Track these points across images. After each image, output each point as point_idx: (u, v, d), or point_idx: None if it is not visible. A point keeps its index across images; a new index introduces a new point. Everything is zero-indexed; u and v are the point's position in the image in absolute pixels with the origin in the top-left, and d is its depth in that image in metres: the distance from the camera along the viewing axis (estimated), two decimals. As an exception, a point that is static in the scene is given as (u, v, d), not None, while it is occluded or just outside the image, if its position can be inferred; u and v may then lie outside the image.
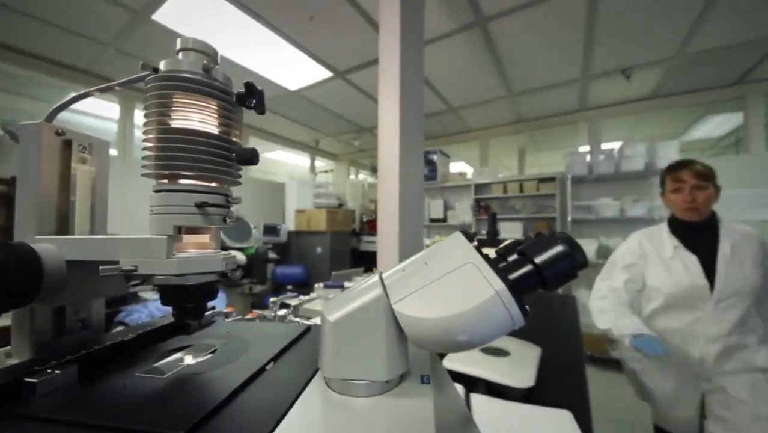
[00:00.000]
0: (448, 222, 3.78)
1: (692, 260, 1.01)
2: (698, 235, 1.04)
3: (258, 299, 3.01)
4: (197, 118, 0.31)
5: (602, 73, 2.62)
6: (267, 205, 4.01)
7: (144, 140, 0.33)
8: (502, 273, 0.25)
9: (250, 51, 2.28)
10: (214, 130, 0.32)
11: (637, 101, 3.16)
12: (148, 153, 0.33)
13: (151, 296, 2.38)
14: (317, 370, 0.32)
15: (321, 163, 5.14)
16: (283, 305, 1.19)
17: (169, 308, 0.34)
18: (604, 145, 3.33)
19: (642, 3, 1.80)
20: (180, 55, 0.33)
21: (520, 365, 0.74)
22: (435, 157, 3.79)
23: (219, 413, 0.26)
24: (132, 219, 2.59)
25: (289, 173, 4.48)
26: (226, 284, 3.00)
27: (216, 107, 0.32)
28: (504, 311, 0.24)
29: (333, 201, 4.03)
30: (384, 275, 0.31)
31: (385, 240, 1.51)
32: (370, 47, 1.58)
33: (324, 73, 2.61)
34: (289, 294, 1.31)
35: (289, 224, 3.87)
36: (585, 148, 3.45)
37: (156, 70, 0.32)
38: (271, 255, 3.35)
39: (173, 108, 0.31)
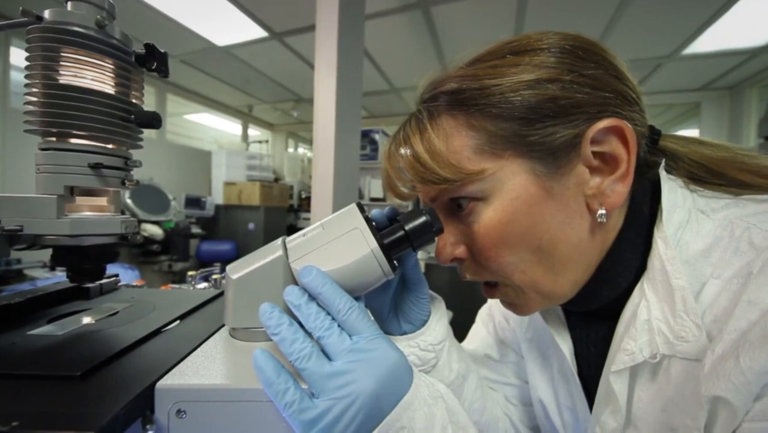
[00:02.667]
0: (387, 201, 3.90)
1: (567, 365, 0.36)
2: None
3: (179, 278, 2.81)
4: (90, 76, 0.30)
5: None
6: (190, 175, 3.65)
7: (27, 94, 0.31)
8: (378, 236, 0.31)
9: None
10: (110, 90, 0.31)
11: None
12: (32, 108, 0.31)
13: (41, 274, 2.06)
14: (223, 325, 0.36)
15: (255, 132, 4.79)
16: (205, 279, 1.15)
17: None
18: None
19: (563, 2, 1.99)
20: (69, 6, 0.31)
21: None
22: (377, 137, 3.82)
23: (118, 360, 0.28)
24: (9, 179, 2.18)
25: (216, 140, 4.09)
26: (141, 260, 2.73)
27: (112, 66, 0.31)
28: (377, 265, 0.30)
29: (268, 174, 3.84)
30: (287, 239, 0.35)
31: (319, 217, 1.53)
32: (311, 10, 1.50)
33: (258, 32, 2.41)
34: (216, 271, 1.26)
35: (217, 197, 3.60)
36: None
37: (40, 18, 0.30)
38: (195, 230, 3.11)
39: (61, 63, 0.30)
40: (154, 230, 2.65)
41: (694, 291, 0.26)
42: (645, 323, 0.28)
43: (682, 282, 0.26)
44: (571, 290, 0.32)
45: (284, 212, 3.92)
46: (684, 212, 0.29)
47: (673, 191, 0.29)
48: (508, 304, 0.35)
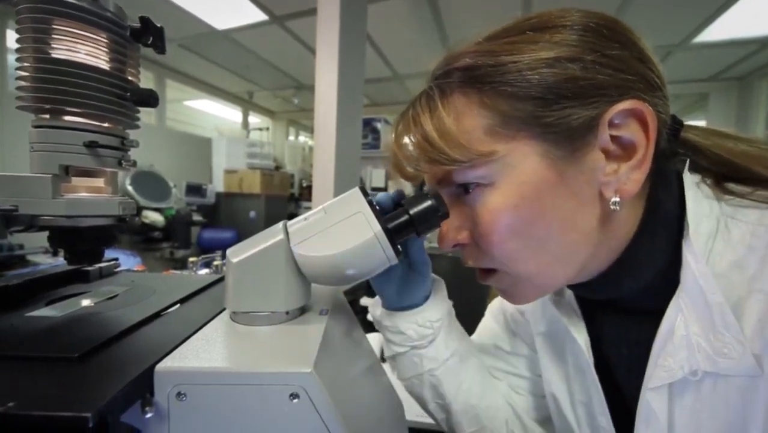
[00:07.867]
0: (389, 191, 3.87)
1: (583, 358, 0.34)
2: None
3: (180, 264, 2.82)
4: (83, 50, 0.29)
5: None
6: (190, 163, 3.63)
7: (18, 68, 0.30)
8: (382, 220, 0.30)
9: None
10: (104, 66, 0.30)
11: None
12: (24, 83, 0.30)
13: (44, 259, 2.07)
14: (224, 309, 0.35)
15: (255, 120, 4.74)
16: (206, 265, 1.15)
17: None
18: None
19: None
20: (59, -25, 0.30)
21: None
22: (379, 126, 3.77)
23: (117, 342, 0.27)
24: (9, 166, 2.17)
25: (217, 127, 4.05)
26: (142, 247, 2.73)
27: (106, 40, 0.30)
28: (380, 249, 0.29)
29: (269, 163, 3.81)
30: (288, 223, 0.34)
31: (320, 204, 1.52)
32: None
33: (258, 15, 2.35)
34: (217, 257, 1.26)
35: (217, 185, 3.58)
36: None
37: (28, -12, 0.28)
38: (196, 218, 3.11)
39: (53, 36, 0.28)
40: (155, 217, 2.65)
41: (731, 304, 0.25)
42: (683, 338, 0.26)
43: (719, 297, 0.25)
44: (569, 281, 0.31)
45: (285, 201, 3.91)
46: (712, 221, 0.27)
47: (698, 200, 0.28)
48: (503, 292, 0.34)
